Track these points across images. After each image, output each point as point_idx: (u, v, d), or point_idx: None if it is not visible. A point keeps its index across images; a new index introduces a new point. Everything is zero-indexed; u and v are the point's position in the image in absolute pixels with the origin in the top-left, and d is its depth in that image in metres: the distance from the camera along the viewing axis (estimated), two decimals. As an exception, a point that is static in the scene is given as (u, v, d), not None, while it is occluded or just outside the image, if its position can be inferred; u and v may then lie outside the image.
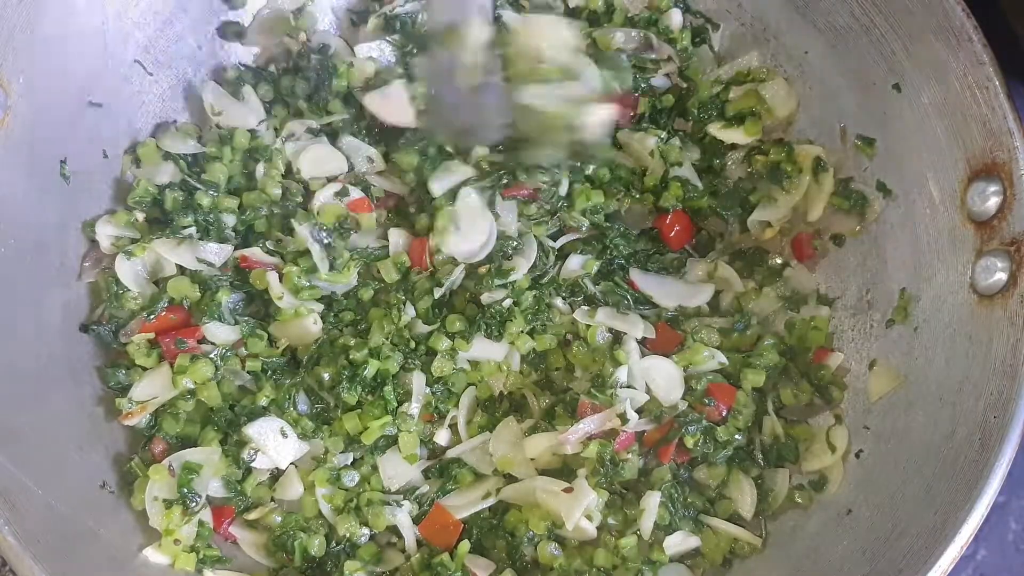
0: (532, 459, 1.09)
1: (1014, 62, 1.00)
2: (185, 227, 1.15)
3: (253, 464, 1.07)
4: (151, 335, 1.10)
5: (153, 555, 1.02)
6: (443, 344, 1.11)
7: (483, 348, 1.13)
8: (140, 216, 1.16)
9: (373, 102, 1.21)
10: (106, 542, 0.99)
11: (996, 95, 0.96)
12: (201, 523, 1.05)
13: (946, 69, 1.00)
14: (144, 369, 1.10)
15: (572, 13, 1.26)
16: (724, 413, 1.08)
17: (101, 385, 1.10)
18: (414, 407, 1.10)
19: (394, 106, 1.21)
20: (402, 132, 1.21)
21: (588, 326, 1.13)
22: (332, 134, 1.24)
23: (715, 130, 1.22)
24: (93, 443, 1.06)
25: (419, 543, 1.09)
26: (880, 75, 1.09)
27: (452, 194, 1.16)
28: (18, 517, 0.88)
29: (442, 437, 1.12)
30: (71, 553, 0.92)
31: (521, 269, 1.15)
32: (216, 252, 1.15)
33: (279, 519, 1.08)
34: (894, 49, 1.07)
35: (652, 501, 1.05)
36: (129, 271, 1.12)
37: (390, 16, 1.25)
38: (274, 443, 1.07)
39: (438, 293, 1.14)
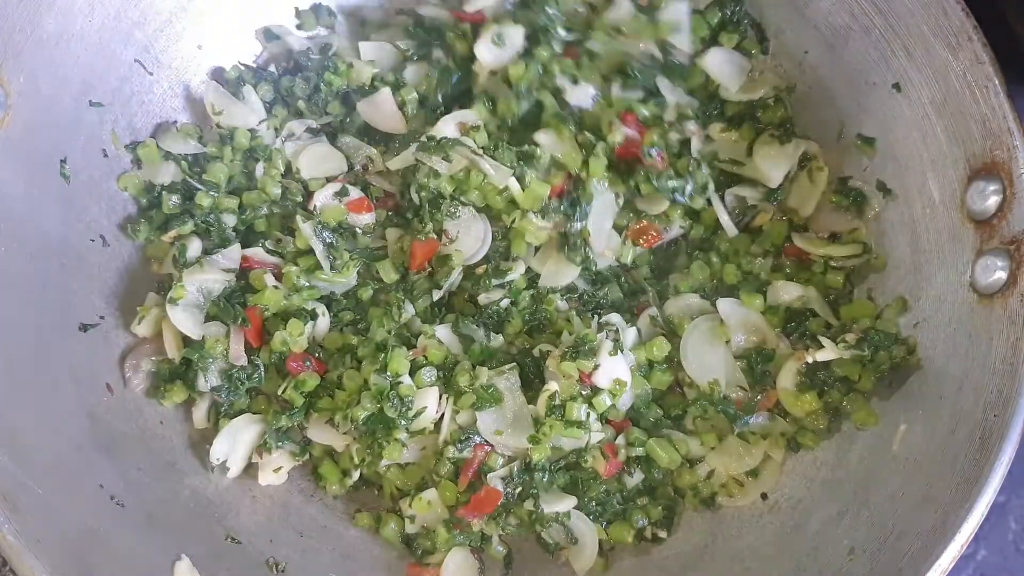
0: None
1: (1014, 62, 1.00)
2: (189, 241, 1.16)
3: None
4: None
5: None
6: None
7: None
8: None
9: (365, 109, 1.22)
10: (106, 542, 0.98)
11: (996, 94, 0.96)
12: None
13: (946, 69, 1.00)
14: None
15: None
16: None
17: (100, 384, 1.11)
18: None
19: (384, 113, 1.21)
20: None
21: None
22: (332, 134, 1.24)
23: (714, 133, 1.21)
24: (93, 443, 1.06)
25: None
26: (880, 75, 1.09)
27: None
28: (18, 517, 0.88)
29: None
30: (70, 553, 0.92)
31: (518, 269, 1.15)
32: (231, 257, 1.15)
33: None
34: (894, 49, 1.06)
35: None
36: (187, 316, 1.12)
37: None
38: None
39: (437, 295, 1.14)
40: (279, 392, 1.13)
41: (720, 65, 1.20)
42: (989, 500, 0.88)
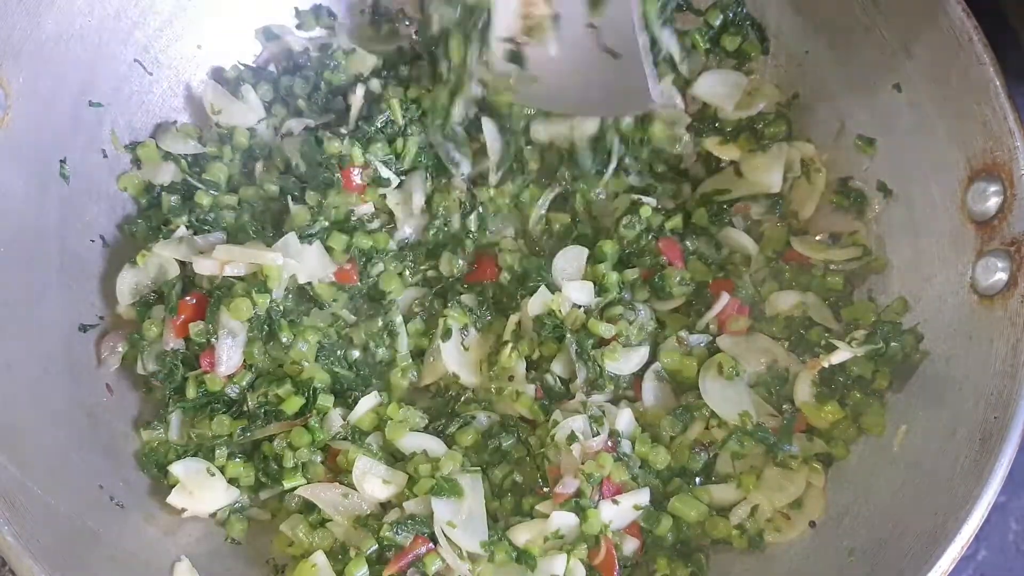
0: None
1: (1014, 62, 1.00)
2: (176, 228, 1.14)
3: None
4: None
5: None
6: None
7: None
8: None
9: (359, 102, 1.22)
10: (106, 542, 0.98)
11: (996, 95, 0.96)
12: None
13: (947, 69, 1.00)
14: None
15: None
16: None
17: (100, 385, 1.11)
18: None
19: None
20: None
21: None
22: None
23: (711, 146, 1.21)
24: (93, 443, 1.06)
25: None
26: (880, 75, 1.09)
27: None
28: (18, 517, 0.88)
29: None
30: (70, 553, 0.92)
31: None
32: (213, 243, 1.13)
33: None
34: (894, 49, 1.06)
35: None
36: (129, 286, 1.13)
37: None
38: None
39: None
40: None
41: (712, 88, 1.21)
42: (990, 501, 0.88)
